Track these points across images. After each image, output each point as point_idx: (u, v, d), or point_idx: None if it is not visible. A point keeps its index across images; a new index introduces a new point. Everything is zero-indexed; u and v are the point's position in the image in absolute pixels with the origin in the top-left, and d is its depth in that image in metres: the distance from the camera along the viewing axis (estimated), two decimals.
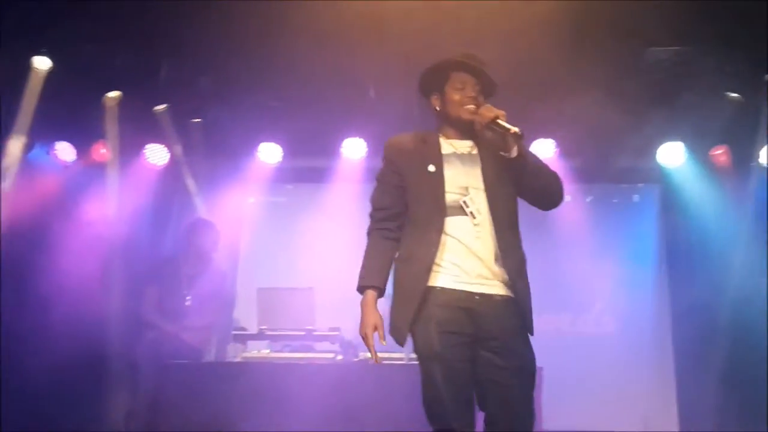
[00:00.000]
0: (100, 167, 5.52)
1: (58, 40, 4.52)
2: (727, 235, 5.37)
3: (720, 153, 5.65)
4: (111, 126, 5.10)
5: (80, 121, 5.19)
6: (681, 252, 5.78)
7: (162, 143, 5.60)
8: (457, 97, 2.61)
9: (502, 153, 2.49)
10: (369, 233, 2.66)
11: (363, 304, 2.52)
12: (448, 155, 2.62)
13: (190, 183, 5.59)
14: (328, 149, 5.88)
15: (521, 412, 2.45)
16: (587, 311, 6.02)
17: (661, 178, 5.92)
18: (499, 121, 2.46)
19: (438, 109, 2.68)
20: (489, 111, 2.49)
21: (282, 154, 5.81)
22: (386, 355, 4.14)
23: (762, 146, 5.29)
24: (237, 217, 5.95)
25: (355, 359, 4.16)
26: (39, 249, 5.09)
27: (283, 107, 5.32)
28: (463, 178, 2.58)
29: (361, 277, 2.55)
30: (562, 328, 6.00)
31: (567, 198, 5.95)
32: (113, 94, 5.00)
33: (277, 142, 5.79)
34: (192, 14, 4.18)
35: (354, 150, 5.82)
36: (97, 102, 5.06)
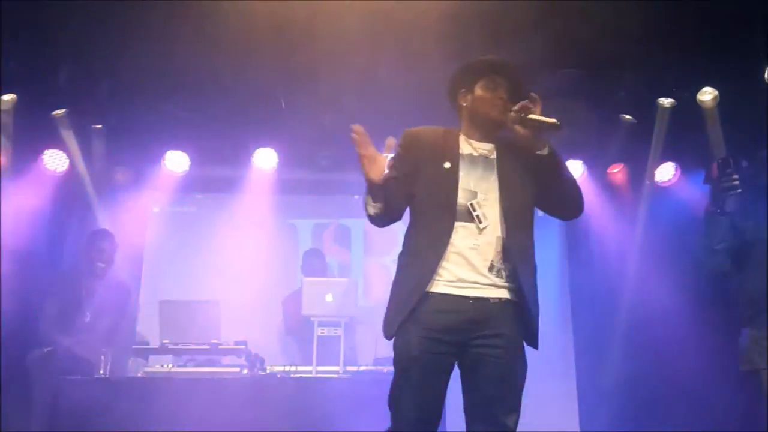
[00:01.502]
0: None
1: None
2: (624, 247, 5.66)
3: (617, 171, 5.95)
4: (5, 130, 4.82)
5: None
6: (581, 262, 6.03)
7: (61, 149, 5.34)
8: (488, 95, 2.55)
9: (535, 152, 2.43)
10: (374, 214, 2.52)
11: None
12: (466, 155, 2.54)
13: (90, 191, 5.35)
14: (239, 158, 5.79)
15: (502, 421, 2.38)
16: None
17: None
18: (533, 115, 2.41)
19: (465, 105, 2.59)
20: (524, 105, 2.44)
21: (189, 162, 5.67)
22: (294, 368, 4.12)
23: (656, 165, 5.60)
24: (140, 227, 5.75)
25: (262, 373, 4.09)
26: None
27: (191, 115, 5.19)
28: (475, 181, 2.50)
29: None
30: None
31: None
32: (7, 97, 4.73)
33: (185, 151, 5.65)
34: (93, 14, 4.02)
35: (265, 160, 5.76)
36: None
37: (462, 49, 4.21)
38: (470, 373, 2.41)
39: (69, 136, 5.08)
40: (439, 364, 2.37)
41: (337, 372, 4.05)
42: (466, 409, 2.43)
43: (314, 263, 5.47)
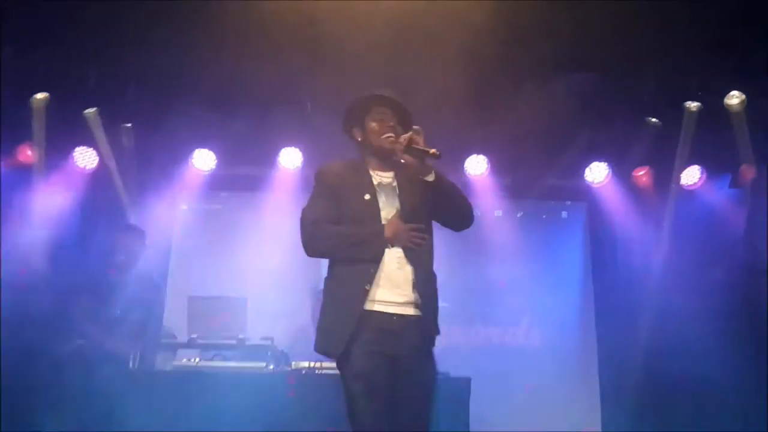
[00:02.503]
0: (26, 169, 5.33)
1: None
2: (648, 250, 5.64)
3: (642, 174, 5.93)
4: (38, 128, 4.93)
5: (5, 123, 5.00)
6: (606, 266, 6.03)
7: (91, 147, 5.45)
8: (376, 127, 2.83)
9: (422, 178, 2.71)
10: (311, 229, 2.77)
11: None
12: (377, 185, 2.83)
13: (120, 188, 5.45)
14: (265, 158, 5.86)
15: (421, 420, 2.70)
16: (516, 324, 6.17)
17: (587, 195, 6.16)
18: (415, 145, 2.67)
19: (360, 140, 2.89)
20: (406, 136, 2.71)
21: (216, 161, 5.75)
22: (319, 365, 4.16)
23: (681, 168, 5.57)
24: (168, 224, 5.84)
25: (287, 369, 4.14)
26: None
27: (217, 115, 5.28)
28: (389, 209, 2.79)
29: (373, 236, 2.71)
30: (493, 339, 6.14)
31: (498, 213, 6.20)
32: (41, 95, 4.85)
33: (212, 149, 5.73)
34: (123, 16, 4.12)
35: (290, 160, 5.82)
36: (23, 103, 4.89)
37: (487, 52, 4.28)
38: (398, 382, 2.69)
39: (99, 135, 5.18)
40: (383, 372, 2.66)
41: None
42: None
43: None
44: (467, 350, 5.96)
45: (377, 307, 2.69)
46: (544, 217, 6.48)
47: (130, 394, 3.72)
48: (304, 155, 5.80)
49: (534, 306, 6.07)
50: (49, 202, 5.33)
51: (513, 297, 6.02)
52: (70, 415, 3.85)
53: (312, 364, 4.16)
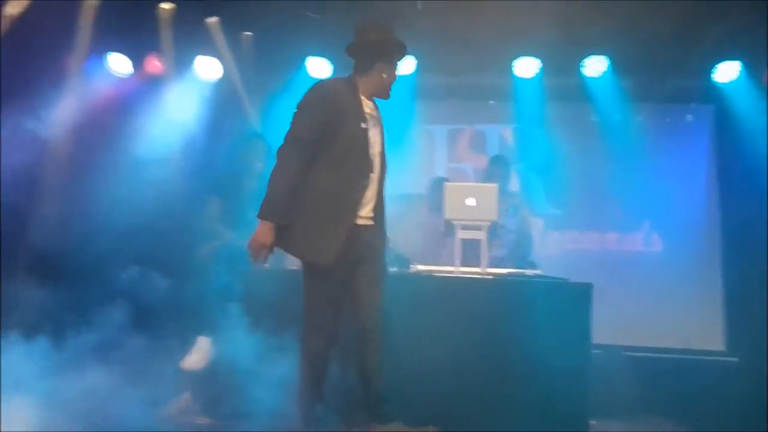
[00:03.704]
0: (154, 79, 5.57)
1: None
2: None
3: None
4: (165, 38, 5.10)
5: (135, 33, 5.20)
6: (734, 173, 5.73)
7: (214, 56, 5.60)
8: (392, 81, 3.27)
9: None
10: (290, 155, 3.03)
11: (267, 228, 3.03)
12: (367, 114, 3.18)
13: (243, 96, 5.61)
14: None
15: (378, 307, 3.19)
16: (636, 230, 6.03)
17: (715, 98, 5.79)
18: None
19: (383, 75, 3.21)
20: None
21: (332, 69, 5.79)
22: (438, 268, 4.26)
23: None
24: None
25: (408, 271, 4.27)
26: (96, 158, 5.21)
27: (329, 20, 5.26)
28: (374, 138, 3.20)
29: (277, 208, 3.02)
30: (609, 246, 6.04)
31: (618, 117, 5.95)
32: (167, 5, 4.97)
33: (326, 57, 5.76)
34: None
35: (403, 66, 5.76)
36: (150, 13, 5.05)
37: None
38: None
39: (221, 44, 5.30)
40: (344, 273, 3.17)
41: (478, 273, 4.15)
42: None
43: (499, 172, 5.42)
44: (584, 256, 5.93)
45: (360, 222, 3.15)
46: (667, 120, 6.16)
47: (262, 291, 3.93)
48: (417, 61, 5.74)
49: (654, 212, 5.90)
50: (175, 111, 5.57)
51: (632, 203, 5.86)
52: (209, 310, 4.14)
53: (431, 267, 4.27)
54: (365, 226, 3.20)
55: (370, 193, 3.20)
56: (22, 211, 4.82)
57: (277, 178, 3.03)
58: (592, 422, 3.77)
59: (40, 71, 4.90)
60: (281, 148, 3.08)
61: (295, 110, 3.14)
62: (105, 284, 4.51)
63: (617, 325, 5.26)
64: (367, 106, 3.20)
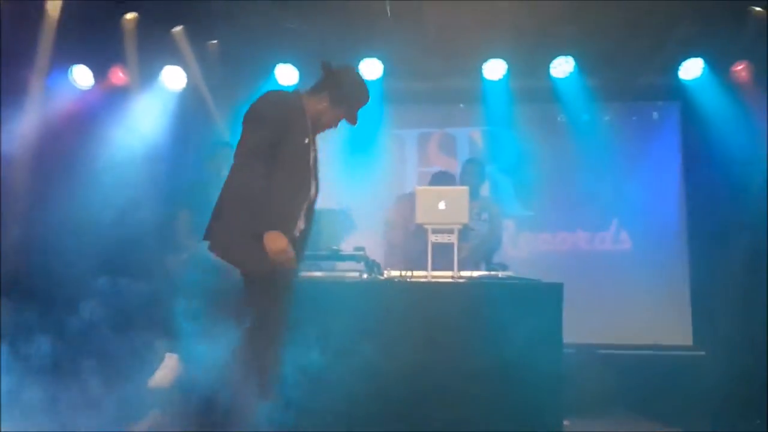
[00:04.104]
0: (118, 90, 5.51)
1: None
2: (748, 152, 5.37)
3: (741, 68, 5.58)
4: (130, 48, 5.05)
5: (98, 44, 5.14)
6: (700, 169, 5.81)
7: (179, 66, 5.55)
8: (335, 125, 3.29)
9: None
10: (252, 165, 2.98)
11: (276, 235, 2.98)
12: (311, 128, 3.19)
13: (210, 105, 5.57)
14: None
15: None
16: (605, 229, 6.09)
17: (681, 95, 5.87)
18: None
19: (326, 106, 3.19)
20: None
21: (298, 75, 5.77)
22: (410, 273, 4.26)
23: None
24: None
25: (380, 277, 4.26)
26: (60, 172, 5.15)
27: (298, 27, 5.25)
28: (313, 155, 3.23)
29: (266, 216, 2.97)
30: (580, 245, 6.10)
31: (585, 117, 6.01)
32: (130, 15, 4.92)
33: (294, 64, 5.74)
34: None
35: (371, 70, 5.77)
36: (114, 24, 5.00)
37: None
38: None
39: (187, 53, 5.26)
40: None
41: (451, 277, 4.16)
42: None
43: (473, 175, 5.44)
44: (555, 257, 5.98)
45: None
46: (634, 119, 6.24)
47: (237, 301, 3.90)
48: (384, 65, 5.74)
49: (623, 210, 5.97)
50: (141, 122, 5.52)
51: (601, 202, 5.93)
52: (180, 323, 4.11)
53: (403, 273, 4.27)
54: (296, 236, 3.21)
55: (307, 206, 3.25)
56: None
57: (251, 191, 2.99)
58: (566, 422, 3.80)
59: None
60: (241, 162, 3.03)
61: (246, 121, 3.10)
62: (71, 296, 4.46)
63: (589, 323, 5.31)
64: (310, 124, 3.21)
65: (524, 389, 3.60)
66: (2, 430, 3.03)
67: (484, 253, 5.23)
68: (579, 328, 4.61)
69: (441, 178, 5.46)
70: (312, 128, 3.20)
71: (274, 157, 3.03)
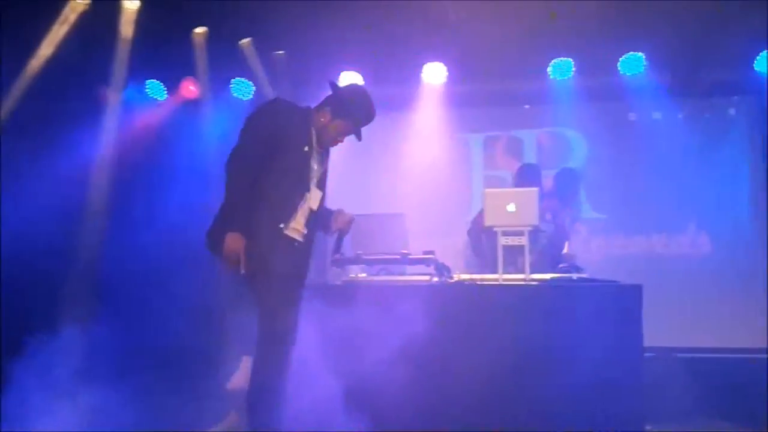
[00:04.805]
0: (190, 103, 5.66)
1: None
2: None
3: None
4: (200, 62, 5.19)
5: (169, 59, 5.30)
6: None
7: (247, 77, 5.67)
8: (338, 139, 3.45)
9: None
10: (239, 168, 3.14)
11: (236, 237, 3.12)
12: (315, 140, 3.35)
13: None
14: (409, 75, 5.84)
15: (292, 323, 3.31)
16: (682, 231, 5.88)
17: (758, 88, 5.63)
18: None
19: (335, 123, 3.35)
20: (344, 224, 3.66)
21: (364, 82, 5.81)
22: (480, 277, 4.21)
23: None
24: None
25: (450, 281, 4.23)
26: (139, 180, 5.32)
27: (362, 35, 5.29)
28: (316, 165, 3.37)
29: (237, 217, 3.13)
30: (655, 248, 5.91)
31: (656, 116, 5.84)
32: (200, 29, 5.06)
33: (358, 71, 5.79)
34: None
35: (434, 75, 5.77)
36: (185, 39, 5.15)
37: None
38: None
39: (255, 64, 5.37)
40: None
41: (523, 280, 4.09)
42: None
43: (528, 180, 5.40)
44: (629, 261, 5.80)
45: (292, 235, 3.30)
46: (707, 115, 6.01)
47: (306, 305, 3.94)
48: (448, 69, 5.73)
49: (700, 212, 5.75)
50: (212, 132, 5.65)
51: (677, 203, 5.72)
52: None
53: (473, 276, 4.23)
54: (297, 242, 3.34)
55: (304, 212, 3.35)
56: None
57: (231, 192, 3.16)
58: (648, 427, 3.67)
59: (79, 104, 5.02)
60: (230, 163, 3.19)
61: (245, 123, 3.28)
62: (149, 296, 4.62)
63: (666, 326, 5.12)
64: (313, 135, 3.36)
65: (605, 394, 3.50)
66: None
67: (553, 256, 5.13)
68: (656, 331, 4.47)
69: (528, 171, 5.40)
70: (318, 140, 3.38)
71: (267, 161, 3.19)
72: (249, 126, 3.28)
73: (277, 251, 3.22)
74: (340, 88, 3.49)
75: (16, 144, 4.67)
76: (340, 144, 3.51)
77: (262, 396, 3.24)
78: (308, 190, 3.36)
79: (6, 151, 4.60)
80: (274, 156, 3.22)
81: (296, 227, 3.33)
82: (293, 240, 3.32)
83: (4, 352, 3.78)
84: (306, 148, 3.31)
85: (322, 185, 3.49)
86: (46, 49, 4.80)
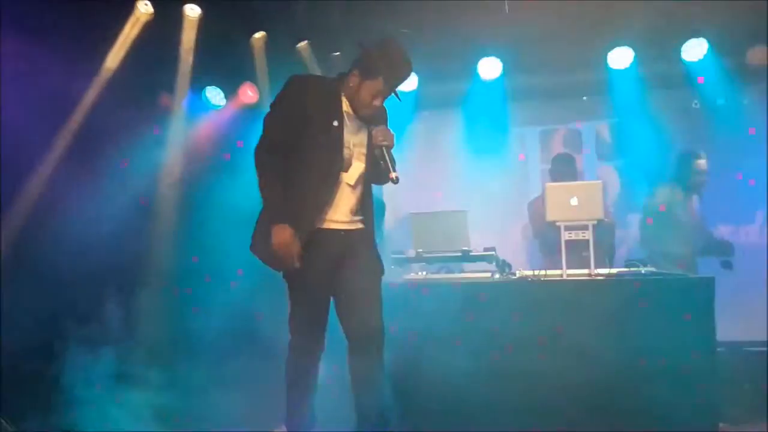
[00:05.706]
0: (249, 107, 5.77)
1: None
2: None
3: None
4: (259, 66, 5.28)
5: (229, 65, 5.41)
6: None
7: None
8: (375, 102, 3.02)
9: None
10: (266, 161, 2.95)
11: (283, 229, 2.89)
12: (345, 113, 3.03)
13: None
14: (463, 71, 5.82)
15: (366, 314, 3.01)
16: (750, 222, 5.70)
17: None
18: (384, 151, 2.98)
19: (363, 83, 2.99)
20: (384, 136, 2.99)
21: (418, 80, 5.81)
22: (543, 272, 4.18)
23: None
24: None
25: (513, 277, 4.21)
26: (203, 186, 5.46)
27: (416, 32, 5.28)
28: (353, 137, 3.04)
29: (280, 209, 2.92)
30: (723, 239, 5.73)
31: (721, 102, 5.65)
32: (259, 35, 5.14)
33: (413, 67, 5.77)
34: None
35: (489, 69, 5.73)
36: (244, 44, 5.24)
37: None
38: None
39: (312, 67, 5.43)
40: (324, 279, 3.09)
41: (588, 274, 4.04)
42: None
43: (563, 169, 5.38)
44: None
45: (333, 226, 3.06)
46: None
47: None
48: (504, 63, 5.68)
49: None
50: None
51: (744, 193, 5.54)
52: None
53: (536, 272, 4.20)
54: (342, 231, 3.07)
55: (345, 195, 3.06)
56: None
57: (265, 185, 2.95)
58: (721, 424, 3.58)
59: (140, 113, 5.18)
60: (257, 154, 2.99)
61: (269, 109, 3.06)
62: (210, 298, 4.75)
63: (735, 320, 4.96)
64: (346, 104, 3.05)
65: (676, 390, 3.44)
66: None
67: (608, 247, 5.04)
68: (726, 325, 4.35)
69: (562, 161, 5.32)
70: (353, 109, 3.04)
71: (293, 144, 2.95)
72: (269, 113, 3.04)
73: (311, 252, 2.96)
74: (367, 46, 3.06)
75: (87, 150, 4.83)
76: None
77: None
78: (343, 169, 3.03)
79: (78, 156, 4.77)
80: (301, 138, 2.95)
81: (335, 218, 3.05)
82: (336, 231, 3.05)
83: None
84: (335, 123, 2.99)
85: (367, 157, 3.09)
86: (114, 57, 4.92)
